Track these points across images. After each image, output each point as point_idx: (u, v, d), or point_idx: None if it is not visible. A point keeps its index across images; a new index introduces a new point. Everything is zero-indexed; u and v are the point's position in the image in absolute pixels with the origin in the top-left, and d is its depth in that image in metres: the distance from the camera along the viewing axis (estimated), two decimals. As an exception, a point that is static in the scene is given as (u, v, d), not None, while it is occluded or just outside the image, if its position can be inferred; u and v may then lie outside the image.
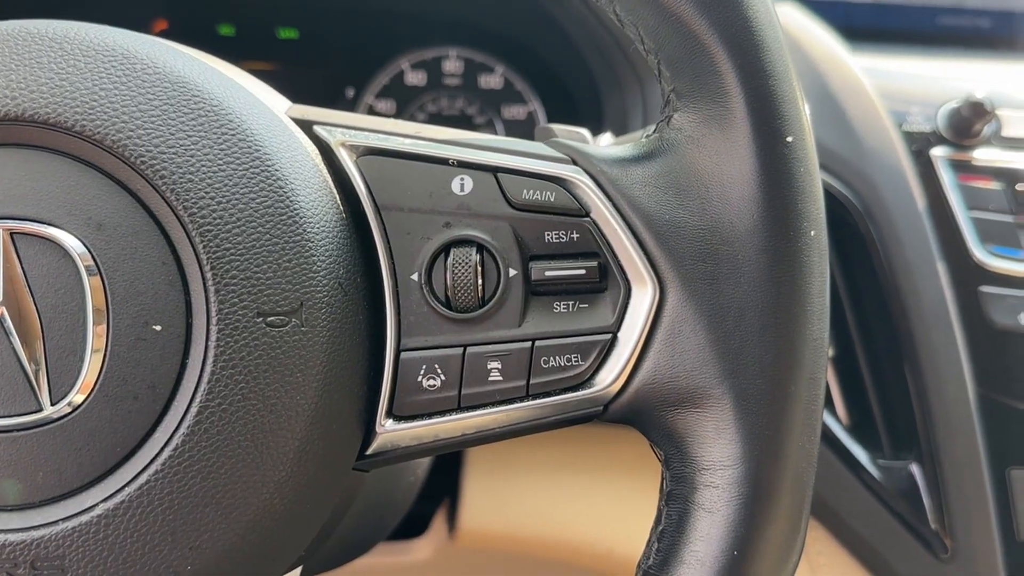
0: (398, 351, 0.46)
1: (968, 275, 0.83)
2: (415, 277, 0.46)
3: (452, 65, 1.13)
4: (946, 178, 0.84)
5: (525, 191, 0.46)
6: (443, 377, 0.46)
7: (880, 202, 0.83)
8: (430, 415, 0.46)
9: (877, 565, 0.83)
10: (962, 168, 0.85)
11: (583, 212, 0.46)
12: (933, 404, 0.81)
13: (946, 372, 0.81)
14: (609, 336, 0.46)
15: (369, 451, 0.47)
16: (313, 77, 1.12)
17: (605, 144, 0.55)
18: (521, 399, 0.46)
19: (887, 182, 0.83)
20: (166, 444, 0.42)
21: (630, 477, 0.94)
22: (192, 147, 0.43)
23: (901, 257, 0.82)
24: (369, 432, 0.47)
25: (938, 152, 0.86)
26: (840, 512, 0.83)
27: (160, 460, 0.42)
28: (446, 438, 0.46)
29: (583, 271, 0.46)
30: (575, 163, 0.47)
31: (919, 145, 0.86)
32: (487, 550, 1.01)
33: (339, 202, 0.46)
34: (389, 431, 0.46)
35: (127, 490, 0.41)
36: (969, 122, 0.85)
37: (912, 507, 0.82)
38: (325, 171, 0.47)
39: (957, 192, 0.84)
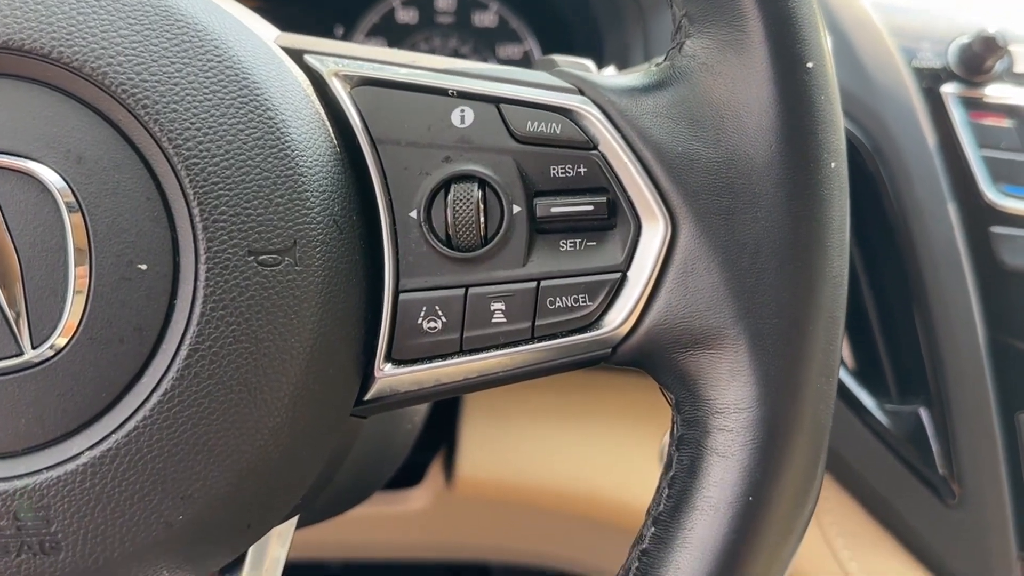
0: (397, 292, 0.44)
1: (979, 215, 0.82)
2: (414, 214, 0.44)
3: (444, 2, 1.10)
4: (957, 116, 0.83)
5: (529, 123, 0.45)
6: (444, 319, 0.44)
7: (890, 140, 0.81)
8: (431, 359, 0.45)
9: (884, 511, 0.83)
10: (973, 105, 0.83)
11: (591, 145, 0.44)
12: (942, 347, 0.80)
13: (955, 314, 0.80)
14: (618, 275, 0.44)
15: (367, 396, 0.46)
16: (299, 14, 1.09)
17: (610, 75, 0.52)
18: (526, 342, 0.45)
19: (897, 120, 0.82)
20: (154, 389, 0.40)
21: (637, 423, 0.93)
22: (176, 75, 0.41)
23: (911, 196, 0.81)
24: (367, 377, 0.45)
25: (949, 89, 0.84)
26: (846, 458, 0.82)
27: (148, 406, 0.40)
28: (447, 382, 0.45)
29: (591, 207, 0.44)
30: (582, 93, 0.45)
31: (929, 82, 0.84)
32: (485, 499, 1.01)
33: (332, 135, 0.44)
34: (388, 375, 0.45)
35: (114, 437, 0.40)
36: (981, 58, 0.83)
37: (919, 452, 0.81)
38: (317, 102, 0.45)
39: (968, 130, 0.82)
